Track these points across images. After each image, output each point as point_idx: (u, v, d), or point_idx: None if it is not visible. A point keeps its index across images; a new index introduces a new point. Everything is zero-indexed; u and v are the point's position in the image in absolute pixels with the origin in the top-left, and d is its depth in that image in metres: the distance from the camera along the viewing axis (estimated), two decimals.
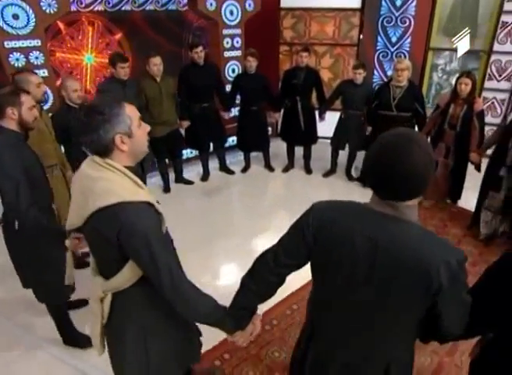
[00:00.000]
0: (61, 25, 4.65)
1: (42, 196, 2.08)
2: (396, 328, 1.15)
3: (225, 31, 5.08)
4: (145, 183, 4.05)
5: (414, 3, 5.16)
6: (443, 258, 1.02)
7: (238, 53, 5.35)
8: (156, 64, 3.85)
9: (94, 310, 1.38)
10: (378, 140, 1.08)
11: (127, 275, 1.28)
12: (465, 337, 1.23)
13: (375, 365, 1.24)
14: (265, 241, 1.43)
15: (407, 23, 5.29)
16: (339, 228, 1.12)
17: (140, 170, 3.75)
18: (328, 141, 4.85)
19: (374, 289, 1.09)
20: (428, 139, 3.96)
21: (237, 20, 5.12)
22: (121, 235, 1.17)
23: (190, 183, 4.80)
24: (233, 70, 5.39)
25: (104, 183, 1.19)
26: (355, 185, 4.75)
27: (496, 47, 5.07)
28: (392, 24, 5.36)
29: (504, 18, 4.97)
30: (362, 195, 4.33)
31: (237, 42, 5.29)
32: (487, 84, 5.32)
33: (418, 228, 1.08)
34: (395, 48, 5.49)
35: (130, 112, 1.26)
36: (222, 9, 4.90)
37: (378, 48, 5.56)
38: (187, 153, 5.17)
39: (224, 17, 4.96)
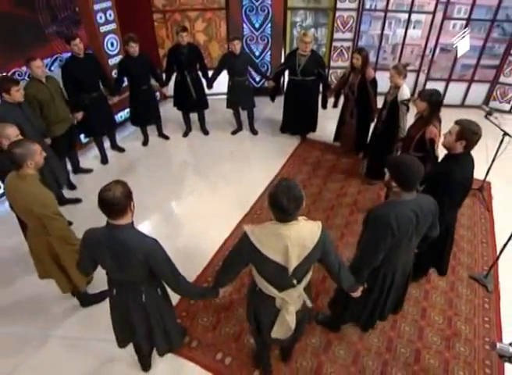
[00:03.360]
0: None
1: None
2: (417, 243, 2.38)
3: (97, 6, 5.00)
4: (63, 197, 4.12)
5: None
6: (434, 203, 2.23)
7: (113, 26, 5.34)
8: (39, 66, 3.78)
9: (293, 310, 2.10)
10: (402, 162, 2.08)
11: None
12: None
13: (410, 268, 2.51)
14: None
15: (266, 11, 6.11)
16: (405, 217, 2.09)
17: (56, 186, 3.77)
18: (220, 97, 5.64)
19: (418, 233, 2.22)
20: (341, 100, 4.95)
21: None
22: (322, 247, 1.91)
23: (89, 171, 4.90)
24: (112, 44, 5.40)
25: (304, 229, 1.87)
26: (258, 137, 5.71)
27: (339, 4, 6.07)
28: (254, 13, 6.10)
29: None
30: (266, 143, 5.58)
31: (110, 15, 5.25)
32: (335, 36, 6.38)
33: (423, 197, 2.22)
34: (259, 32, 6.30)
35: None
36: None
37: (244, 33, 6.26)
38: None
39: None
